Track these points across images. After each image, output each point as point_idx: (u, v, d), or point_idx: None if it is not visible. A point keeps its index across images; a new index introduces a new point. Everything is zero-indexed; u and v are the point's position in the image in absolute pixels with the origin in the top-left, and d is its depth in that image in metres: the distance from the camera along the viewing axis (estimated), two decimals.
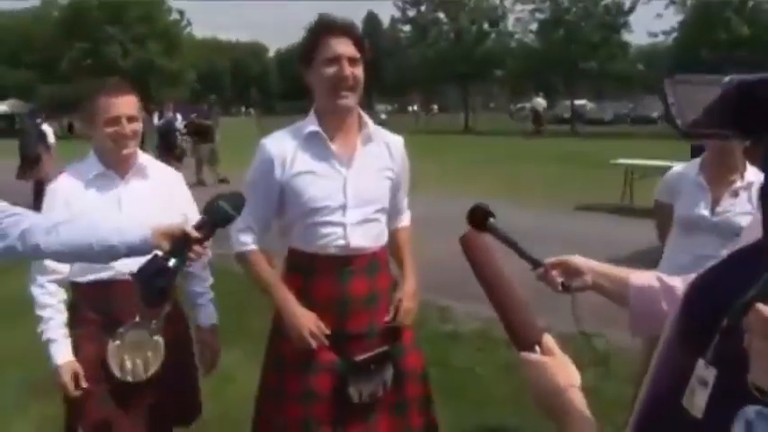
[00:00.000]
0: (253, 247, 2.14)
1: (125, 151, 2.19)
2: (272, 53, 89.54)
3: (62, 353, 2.16)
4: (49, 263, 2.11)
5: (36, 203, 7.67)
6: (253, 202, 2.00)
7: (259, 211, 2.10)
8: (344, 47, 2.00)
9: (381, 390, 2.10)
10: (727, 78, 0.81)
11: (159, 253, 1.62)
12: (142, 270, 1.61)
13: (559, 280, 1.41)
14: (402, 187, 2.30)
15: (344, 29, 2.02)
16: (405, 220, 2.39)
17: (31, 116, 12.07)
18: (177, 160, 12.22)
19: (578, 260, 1.39)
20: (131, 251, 1.67)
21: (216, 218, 1.68)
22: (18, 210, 1.71)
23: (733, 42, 27.26)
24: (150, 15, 40.63)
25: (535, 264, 1.47)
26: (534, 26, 37.20)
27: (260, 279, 2.14)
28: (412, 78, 41.88)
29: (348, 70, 1.99)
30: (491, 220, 1.56)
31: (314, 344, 2.03)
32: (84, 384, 2.16)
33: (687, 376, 0.84)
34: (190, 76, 45.60)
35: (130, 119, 2.16)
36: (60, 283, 2.18)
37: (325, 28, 2.03)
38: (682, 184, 2.93)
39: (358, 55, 2.03)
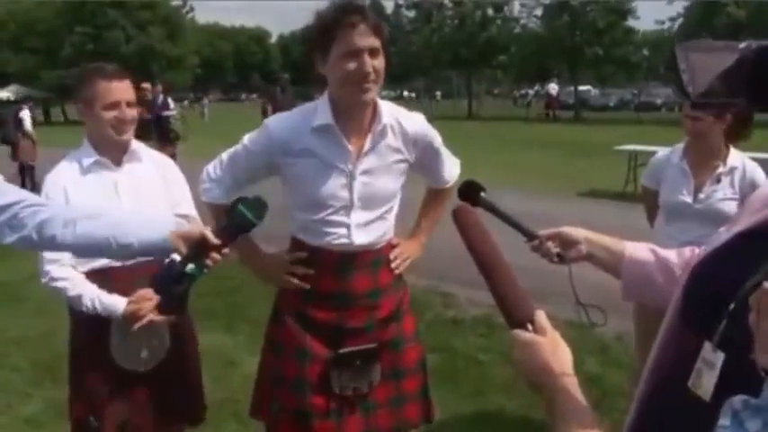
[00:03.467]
0: (223, 201, 2.02)
1: (124, 137, 2.19)
2: (274, 38, 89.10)
3: (116, 302, 2.11)
4: (50, 254, 2.10)
5: (22, 185, 9.47)
6: (240, 164, 2.04)
7: (240, 175, 2.06)
8: (364, 39, 1.81)
9: (366, 387, 2.06)
10: (744, 44, 0.79)
11: (176, 257, 1.59)
12: (159, 277, 1.58)
13: (555, 251, 1.41)
14: (434, 161, 2.17)
15: (362, 16, 1.82)
16: (446, 182, 2.25)
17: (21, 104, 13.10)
18: (172, 145, 12.30)
19: (573, 231, 1.40)
20: (147, 251, 1.65)
21: (237, 223, 1.62)
22: (40, 200, 1.71)
23: (732, 27, 27.74)
24: (153, 1, 40.43)
25: (530, 236, 1.46)
26: (539, 11, 37.05)
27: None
28: (415, 64, 41.68)
29: (369, 65, 1.82)
30: (483, 194, 1.54)
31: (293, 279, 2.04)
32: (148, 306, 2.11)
33: (692, 360, 0.84)
34: (192, 61, 45.45)
35: (129, 104, 2.18)
36: (67, 266, 2.13)
37: (341, 17, 1.83)
38: (665, 170, 2.88)
39: (378, 43, 1.85)
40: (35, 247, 1.68)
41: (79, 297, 2.11)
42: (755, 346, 0.65)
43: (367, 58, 1.82)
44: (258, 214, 1.63)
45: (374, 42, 1.84)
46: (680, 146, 2.89)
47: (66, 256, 2.11)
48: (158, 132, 12.24)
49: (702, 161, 2.77)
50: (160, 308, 1.65)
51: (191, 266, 1.55)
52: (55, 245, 1.64)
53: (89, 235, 1.62)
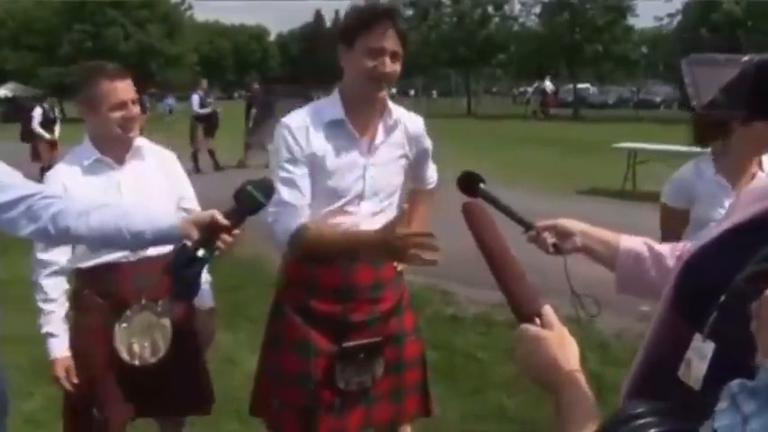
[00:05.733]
0: (302, 221, 1.96)
1: (132, 134, 2.23)
2: (273, 37, 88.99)
3: (60, 348, 2.21)
4: (45, 255, 2.14)
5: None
6: (293, 176, 1.96)
7: (299, 183, 1.98)
8: (390, 41, 1.92)
9: (370, 381, 2.09)
10: (746, 57, 0.80)
11: (188, 243, 1.60)
12: (172, 261, 1.60)
13: (551, 241, 1.43)
14: (423, 163, 2.31)
15: (394, 22, 1.93)
16: (428, 184, 2.41)
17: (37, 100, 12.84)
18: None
19: (569, 222, 1.42)
20: (159, 239, 1.68)
21: (246, 205, 1.63)
22: (54, 193, 1.75)
23: (729, 23, 27.97)
24: None
25: (527, 226, 1.48)
26: (538, 9, 37.03)
27: (330, 244, 1.96)
28: (413, 62, 41.59)
29: (389, 67, 1.93)
30: (482, 185, 1.56)
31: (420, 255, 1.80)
32: (74, 380, 2.22)
33: (682, 350, 0.86)
34: (191, 59, 45.39)
35: (134, 102, 2.22)
36: (60, 273, 2.20)
37: (375, 16, 1.92)
38: (696, 186, 2.55)
39: (400, 50, 1.95)
40: (51, 239, 1.71)
41: (41, 325, 2.19)
42: (758, 353, 0.66)
43: (388, 60, 1.92)
44: (266, 195, 1.65)
45: (397, 48, 1.94)
46: (705, 158, 2.59)
47: (60, 258, 2.15)
48: (208, 128, 12.64)
49: (743, 169, 2.49)
50: (174, 293, 1.67)
51: (202, 251, 1.58)
52: (69, 236, 1.66)
53: (102, 226, 1.64)
